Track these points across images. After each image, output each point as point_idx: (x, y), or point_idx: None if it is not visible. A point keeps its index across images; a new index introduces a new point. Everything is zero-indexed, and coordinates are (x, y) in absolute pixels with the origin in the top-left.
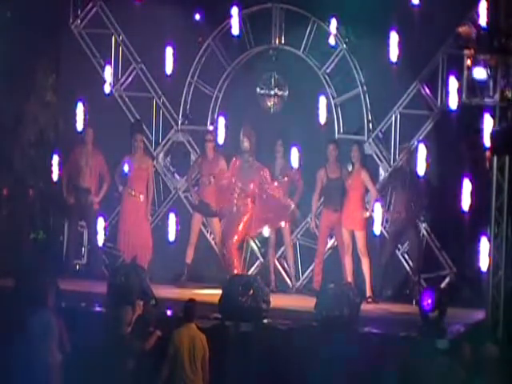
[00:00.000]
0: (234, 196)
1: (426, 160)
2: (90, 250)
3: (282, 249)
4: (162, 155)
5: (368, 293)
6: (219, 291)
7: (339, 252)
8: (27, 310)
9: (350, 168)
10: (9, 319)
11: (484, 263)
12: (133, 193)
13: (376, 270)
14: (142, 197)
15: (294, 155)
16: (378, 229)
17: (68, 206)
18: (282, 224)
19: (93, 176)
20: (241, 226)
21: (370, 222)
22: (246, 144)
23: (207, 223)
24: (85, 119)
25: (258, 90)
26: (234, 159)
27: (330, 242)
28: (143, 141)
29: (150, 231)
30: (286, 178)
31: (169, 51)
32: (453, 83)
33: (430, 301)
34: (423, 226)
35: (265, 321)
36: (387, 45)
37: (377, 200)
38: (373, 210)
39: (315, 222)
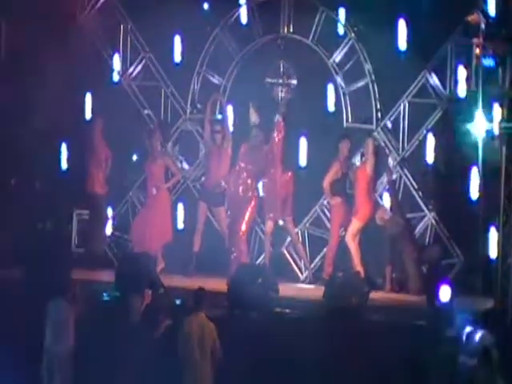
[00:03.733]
0: (239, 182)
1: (435, 149)
2: (99, 238)
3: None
4: (170, 144)
5: None
6: (228, 280)
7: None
8: (42, 298)
9: (359, 159)
10: (21, 307)
11: (493, 251)
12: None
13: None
14: (154, 190)
15: (303, 144)
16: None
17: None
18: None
19: (102, 165)
20: (247, 215)
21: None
22: (255, 118)
23: (213, 213)
24: (93, 109)
25: (266, 79)
26: (242, 148)
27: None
28: (160, 140)
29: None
30: None
31: (177, 40)
32: (461, 72)
33: (446, 291)
34: (432, 215)
35: (273, 309)
36: (396, 34)
37: (386, 189)
38: (381, 199)
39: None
